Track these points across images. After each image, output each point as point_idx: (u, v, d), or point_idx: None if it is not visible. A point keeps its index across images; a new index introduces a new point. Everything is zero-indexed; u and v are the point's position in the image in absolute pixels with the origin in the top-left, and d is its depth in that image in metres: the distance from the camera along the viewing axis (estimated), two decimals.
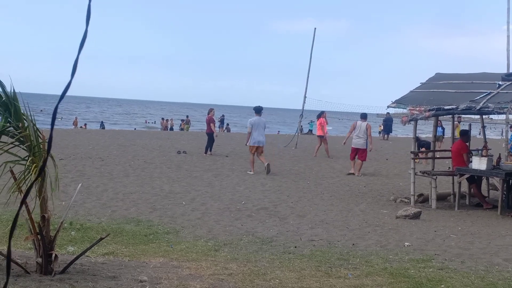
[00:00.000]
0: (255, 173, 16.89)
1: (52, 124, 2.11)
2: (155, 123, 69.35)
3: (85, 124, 53.53)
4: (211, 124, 22.13)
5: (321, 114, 23.94)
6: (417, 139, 23.51)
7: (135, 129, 56.45)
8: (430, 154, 14.98)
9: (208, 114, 22.96)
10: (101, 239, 6.06)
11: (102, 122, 59.26)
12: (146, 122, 77.52)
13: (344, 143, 20.08)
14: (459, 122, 26.54)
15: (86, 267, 6.18)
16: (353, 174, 17.98)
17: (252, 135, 17.46)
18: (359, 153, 18.46)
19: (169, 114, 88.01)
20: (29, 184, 4.88)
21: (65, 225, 8.63)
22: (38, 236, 5.61)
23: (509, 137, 23.69)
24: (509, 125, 19.69)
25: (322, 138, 23.38)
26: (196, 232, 9.09)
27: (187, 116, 59.44)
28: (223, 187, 14.30)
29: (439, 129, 26.48)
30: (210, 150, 21.68)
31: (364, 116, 19.30)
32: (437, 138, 25.12)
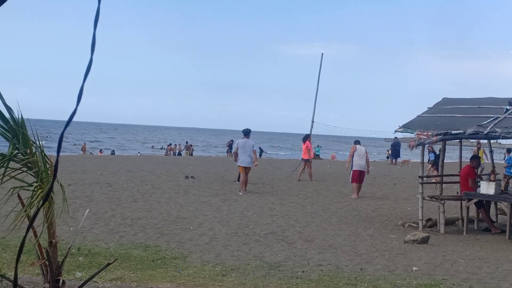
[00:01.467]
0: (258, 194, 16.93)
1: (58, 150, 2.16)
2: (162, 148, 69.47)
3: (101, 151, 53.67)
4: None
5: (307, 137, 23.88)
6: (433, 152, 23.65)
7: (139, 153, 56.61)
8: (438, 179, 14.94)
9: None
10: (108, 264, 6.08)
11: (113, 150, 59.20)
12: (152, 147, 77.64)
13: (347, 169, 20.14)
14: (478, 148, 26.51)
15: None
16: (357, 197, 18.39)
17: (239, 156, 18.60)
18: (362, 176, 18.93)
19: (177, 139, 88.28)
20: (36, 210, 4.91)
21: (73, 250, 8.68)
22: (46, 261, 5.63)
23: (505, 161, 23.66)
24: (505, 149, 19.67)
25: (307, 161, 23.30)
26: (203, 257, 9.09)
27: (187, 142, 59.72)
28: (231, 212, 14.31)
29: (431, 154, 26.57)
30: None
31: (358, 142, 20.18)
32: (431, 163, 25.21)
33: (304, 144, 23.82)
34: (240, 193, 17.90)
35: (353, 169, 19.04)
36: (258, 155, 52.49)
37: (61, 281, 5.69)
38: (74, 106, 2.02)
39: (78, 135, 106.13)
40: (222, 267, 8.36)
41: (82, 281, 6.13)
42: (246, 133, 18.90)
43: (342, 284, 7.41)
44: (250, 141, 18.83)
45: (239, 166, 18.70)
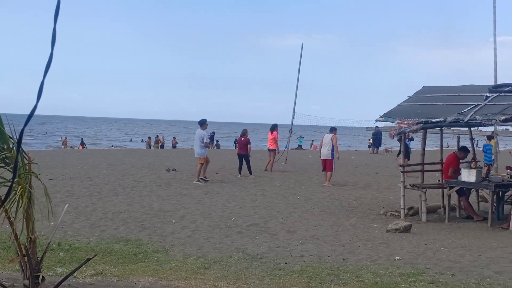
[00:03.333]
0: (240, 186, 16.92)
1: (19, 145, 2.10)
2: (142, 141, 68.80)
3: (81, 144, 52.76)
4: (248, 146, 21.53)
5: (275, 127, 23.43)
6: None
7: (112, 146, 55.99)
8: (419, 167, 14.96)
9: (244, 135, 21.96)
10: (89, 259, 5.98)
11: (82, 139, 57.56)
12: (130, 140, 76.78)
13: (320, 156, 20.10)
14: (489, 139, 26.59)
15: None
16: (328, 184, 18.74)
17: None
18: (326, 164, 19.09)
19: (162, 132, 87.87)
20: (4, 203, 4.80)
21: (53, 246, 8.57)
22: (25, 258, 5.53)
23: (482, 148, 23.81)
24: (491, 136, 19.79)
25: (273, 151, 23.08)
26: (185, 250, 9.02)
27: (157, 136, 58.99)
28: (213, 204, 14.25)
29: (408, 142, 26.51)
30: (250, 173, 20.87)
31: (332, 129, 19.96)
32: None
33: (271, 134, 23.39)
34: (195, 181, 18.40)
35: (321, 158, 19.50)
36: (234, 147, 52.17)
37: (40, 277, 5.60)
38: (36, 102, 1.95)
39: (61, 128, 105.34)
40: (204, 259, 8.30)
41: (63, 277, 6.04)
42: (201, 123, 19.23)
43: (324, 275, 7.39)
44: (201, 132, 19.01)
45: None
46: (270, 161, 23.04)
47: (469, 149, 14.48)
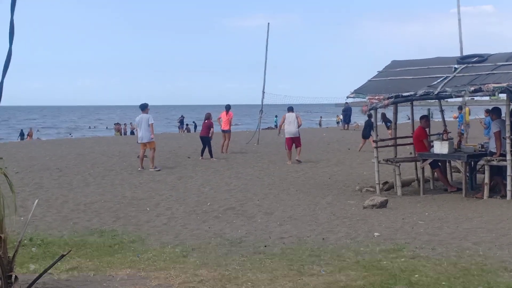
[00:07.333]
0: (214, 169, 16.78)
1: None
2: (107, 128, 66.72)
3: (29, 134, 49.30)
4: (211, 129, 21.11)
5: (229, 108, 23.15)
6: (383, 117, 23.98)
7: (70, 135, 54.53)
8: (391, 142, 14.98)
9: (208, 119, 21.61)
10: (63, 256, 5.76)
11: (21, 130, 53.80)
12: (90, 128, 73.73)
13: (278, 134, 20.04)
14: (460, 109, 26.57)
15: (49, 285, 5.93)
16: (294, 162, 18.98)
17: (138, 132, 18.85)
18: (295, 142, 19.44)
19: (125, 119, 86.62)
20: None
21: (25, 241, 8.30)
22: None
23: (457, 119, 24.06)
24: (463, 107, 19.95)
25: (228, 132, 22.86)
26: (162, 239, 8.84)
27: (117, 123, 55.92)
28: (187, 189, 14.07)
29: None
30: (211, 155, 20.57)
31: (291, 109, 20.17)
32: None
33: (227, 114, 22.97)
34: (152, 169, 17.65)
35: (285, 136, 19.64)
36: (193, 129, 51.59)
37: (13, 276, 5.39)
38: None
39: (22, 120, 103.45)
40: (182, 247, 8.13)
41: (37, 274, 5.83)
42: (142, 108, 18.49)
43: (305, 256, 7.29)
44: (145, 116, 18.21)
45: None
46: (225, 143, 22.68)
47: (431, 118, 14.55)
